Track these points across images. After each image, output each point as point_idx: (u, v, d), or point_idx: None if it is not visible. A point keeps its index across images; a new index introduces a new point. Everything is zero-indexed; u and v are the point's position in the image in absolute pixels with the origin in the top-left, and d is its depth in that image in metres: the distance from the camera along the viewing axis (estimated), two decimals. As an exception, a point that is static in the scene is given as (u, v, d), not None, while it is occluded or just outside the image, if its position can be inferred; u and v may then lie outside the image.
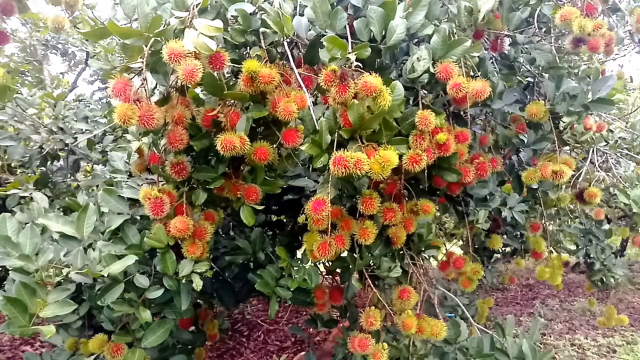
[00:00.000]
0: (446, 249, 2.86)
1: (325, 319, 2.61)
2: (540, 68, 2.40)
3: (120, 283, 1.74)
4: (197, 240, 1.84)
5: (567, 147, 3.01)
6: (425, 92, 2.00)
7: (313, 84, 1.80)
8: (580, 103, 2.14)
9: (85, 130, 3.32)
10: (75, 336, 1.97)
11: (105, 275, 1.60)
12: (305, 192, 2.81)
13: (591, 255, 3.65)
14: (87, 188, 2.77)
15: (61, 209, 2.72)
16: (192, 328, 2.62)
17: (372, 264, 2.26)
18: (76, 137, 3.29)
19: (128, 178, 2.21)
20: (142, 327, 1.89)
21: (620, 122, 3.59)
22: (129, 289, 1.77)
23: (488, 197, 2.77)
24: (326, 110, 1.76)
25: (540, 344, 5.15)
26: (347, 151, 1.56)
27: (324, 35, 1.64)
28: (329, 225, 1.75)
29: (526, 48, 2.39)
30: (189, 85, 1.72)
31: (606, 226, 3.81)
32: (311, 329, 4.94)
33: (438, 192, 2.43)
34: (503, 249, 4.23)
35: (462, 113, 2.17)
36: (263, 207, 1.99)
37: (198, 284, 1.80)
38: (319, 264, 2.57)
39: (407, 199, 2.16)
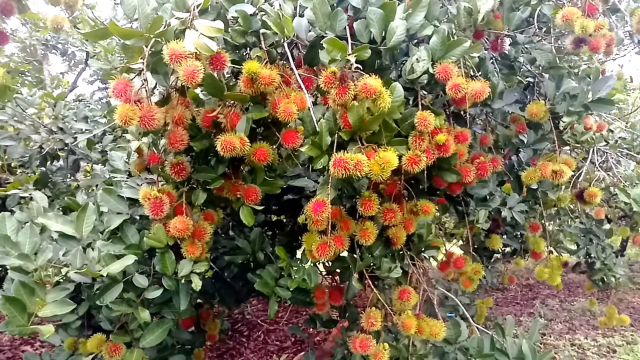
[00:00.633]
0: (446, 249, 2.85)
1: (325, 319, 2.61)
2: (541, 68, 2.40)
3: (119, 283, 1.74)
4: (197, 241, 1.84)
5: (567, 147, 3.01)
6: (425, 92, 2.00)
7: (313, 85, 1.80)
8: (580, 103, 2.14)
9: (85, 130, 3.32)
10: (74, 336, 1.97)
11: (104, 274, 1.60)
12: (305, 192, 2.81)
13: (592, 255, 3.65)
14: (87, 188, 2.78)
15: (61, 209, 2.72)
16: (192, 328, 2.62)
17: (372, 265, 2.25)
18: (76, 137, 3.28)
19: (128, 178, 2.21)
20: (140, 327, 1.89)
21: (620, 122, 3.59)
22: (128, 289, 1.77)
23: (488, 197, 2.78)
24: (326, 111, 1.76)
25: (540, 344, 5.15)
26: (347, 153, 1.56)
27: (324, 37, 1.65)
28: (329, 226, 1.76)
29: (526, 48, 2.38)
30: (190, 86, 1.72)
31: (607, 226, 3.81)
32: (311, 329, 4.94)
33: (438, 192, 2.43)
34: (503, 249, 4.24)
35: (462, 113, 2.17)
36: (263, 207, 1.99)
37: (197, 284, 1.80)
38: (319, 264, 2.57)
39: (407, 199, 2.16)
